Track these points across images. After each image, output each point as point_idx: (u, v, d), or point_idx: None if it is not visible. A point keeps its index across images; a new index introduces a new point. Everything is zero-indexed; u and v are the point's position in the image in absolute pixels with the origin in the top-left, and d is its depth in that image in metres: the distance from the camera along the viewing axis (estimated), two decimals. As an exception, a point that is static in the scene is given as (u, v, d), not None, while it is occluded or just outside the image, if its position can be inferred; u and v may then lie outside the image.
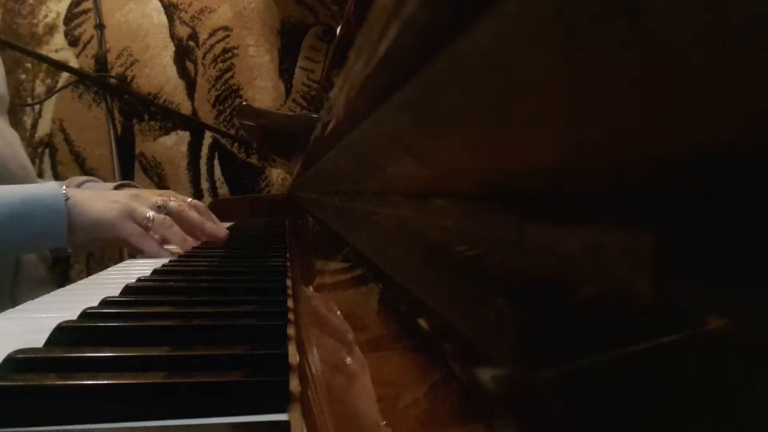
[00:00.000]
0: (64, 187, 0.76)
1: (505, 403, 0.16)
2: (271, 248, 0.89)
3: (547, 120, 0.11)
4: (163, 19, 1.77)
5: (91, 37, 1.73)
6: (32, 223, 0.71)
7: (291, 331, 0.40)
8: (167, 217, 0.82)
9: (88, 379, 0.28)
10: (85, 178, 1.03)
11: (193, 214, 0.87)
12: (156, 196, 0.84)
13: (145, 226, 0.80)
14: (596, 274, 0.12)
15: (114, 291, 0.51)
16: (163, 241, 0.83)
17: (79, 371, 0.29)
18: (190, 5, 1.77)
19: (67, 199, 0.74)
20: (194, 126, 1.77)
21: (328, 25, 1.74)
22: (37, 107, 1.78)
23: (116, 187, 0.97)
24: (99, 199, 0.79)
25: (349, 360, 0.28)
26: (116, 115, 1.60)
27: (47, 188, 0.74)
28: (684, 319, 0.09)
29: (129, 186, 1.00)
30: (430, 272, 0.24)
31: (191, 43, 1.77)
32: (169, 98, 1.77)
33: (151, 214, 0.80)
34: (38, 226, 0.71)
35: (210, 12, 1.77)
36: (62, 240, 0.73)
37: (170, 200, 0.84)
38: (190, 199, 0.89)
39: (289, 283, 0.59)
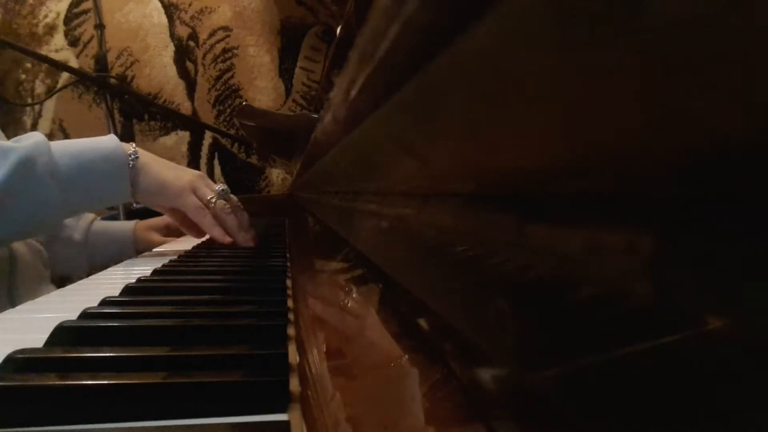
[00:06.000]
0: (133, 145, 0.79)
1: (505, 403, 0.16)
2: (271, 248, 0.89)
3: (547, 120, 0.11)
4: (163, 19, 1.77)
5: (91, 37, 1.73)
6: (94, 173, 0.73)
7: (291, 331, 0.40)
8: (228, 204, 0.85)
9: (88, 379, 0.28)
10: (92, 216, 1.04)
11: (245, 215, 0.90)
12: (217, 185, 0.88)
13: (206, 205, 0.84)
14: (596, 274, 0.12)
15: (114, 291, 0.51)
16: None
17: (79, 371, 0.29)
18: (190, 5, 1.77)
19: (137, 158, 0.77)
20: (194, 126, 1.77)
21: (328, 25, 1.74)
22: (37, 107, 1.78)
23: None
24: (169, 168, 0.83)
25: (349, 360, 0.28)
26: (116, 115, 1.59)
27: (108, 140, 0.77)
28: (684, 319, 0.09)
29: None
30: (430, 272, 0.24)
31: (191, 43, 1.77)
32: (169, 98, 1.77)
33: (213, 196, 0.84)
34: (100, 177, 0.74)
35: (210, 12, 1.77)
36: (126, 193, 0.76)
37: (230, 192, 0.88)
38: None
39: (289, 283, 0.59)
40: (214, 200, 0.83)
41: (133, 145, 0.79)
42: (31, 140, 0.68)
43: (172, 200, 0.82)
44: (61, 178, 0.69)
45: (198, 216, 0.83)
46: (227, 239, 0.85)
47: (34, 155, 0.66)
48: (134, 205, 0.81)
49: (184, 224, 0.91)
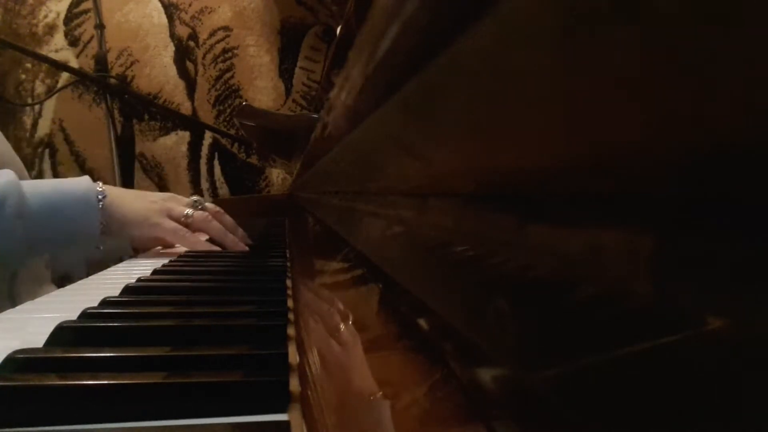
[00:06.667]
0: (100, 184, 0.78)
1: (505, 403, 0.16)
2: (271, 248, 0.89)
3: (547, 120, 0.11)
4: (163, 19, 1.77)
5: (91, 37, 1.73)
6: (64, 214, 0.72)
7: (291, 331, 0.40)
8: (206, 213, 0.85)
9: (88, 379, 0.28)
10: None
11: (227, 218, 0.90)
12: (189, 199, 0.88)
13: (184, 223, 0.83)
14: (596, 274, 0.12)
15: (114, 291, 0.51)
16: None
17: (79, 371, 0.29)
18: (190, 5, 1.77)
19: (105, 196, 0.76)
20: (194, 126, 1.77)
21: (328, 25, 1.74)
22: (37, 107, 1.78)
23: None
24: (137, 198, 0.82)
25: (349, 360, 0.28)
26: (116, 115, 1.60)
27: (81, 181, 0.76)
28: (684, 319, 0.09)
29: None
30: (430, 272, 0.24)
31: (191, 43, 1.77)
32: (169, 98, 1.77)
33: (189, 211, 0.83)
34: (70, 218, 0.73)
35: (210, 12, 1.77)
36: (95, 235, 0.75)
37: (206, 202, 0.88)
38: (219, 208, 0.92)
39: (289, 283, 0.59)
40: (191, 214, 0.83)
41: (100, 184, 0.78)
42: (1, 179, 0.68)
43: (149, 231, 0.81)
44: (30, 218, 0.69)
45: (179, 239, 0.83)
46: (215, 248, 0.85)
47: (4, 195, 0.67)
48: (100, 248, 0.79)
49: (166, 246, 0.92)
